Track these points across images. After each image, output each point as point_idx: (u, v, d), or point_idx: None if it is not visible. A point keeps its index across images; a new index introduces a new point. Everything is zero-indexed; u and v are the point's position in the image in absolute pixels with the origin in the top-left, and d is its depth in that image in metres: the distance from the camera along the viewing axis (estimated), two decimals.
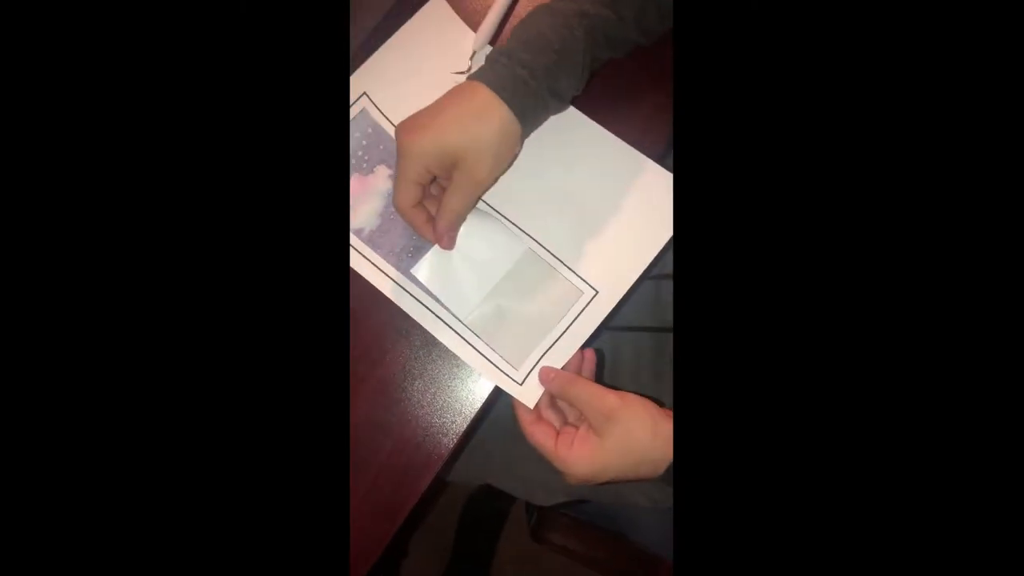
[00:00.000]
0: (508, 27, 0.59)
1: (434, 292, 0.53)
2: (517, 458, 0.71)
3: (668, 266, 0.68)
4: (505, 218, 0.56)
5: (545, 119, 0.53)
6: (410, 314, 0.54)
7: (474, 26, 0.59)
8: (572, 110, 0.57)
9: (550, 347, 0.53)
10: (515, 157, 0.51)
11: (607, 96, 0.58)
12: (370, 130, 0.58)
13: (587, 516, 0.80)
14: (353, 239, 0.55)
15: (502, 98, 0.47)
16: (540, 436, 0.50)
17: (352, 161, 0.57)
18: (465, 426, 0.54)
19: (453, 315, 0.54)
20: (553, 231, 0.55)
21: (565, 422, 0.52)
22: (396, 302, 0.54)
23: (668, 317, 0.71)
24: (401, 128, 0.48)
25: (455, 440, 0.53)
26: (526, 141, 0.55)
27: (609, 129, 0.57)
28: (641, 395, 0.49)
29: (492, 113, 0.47)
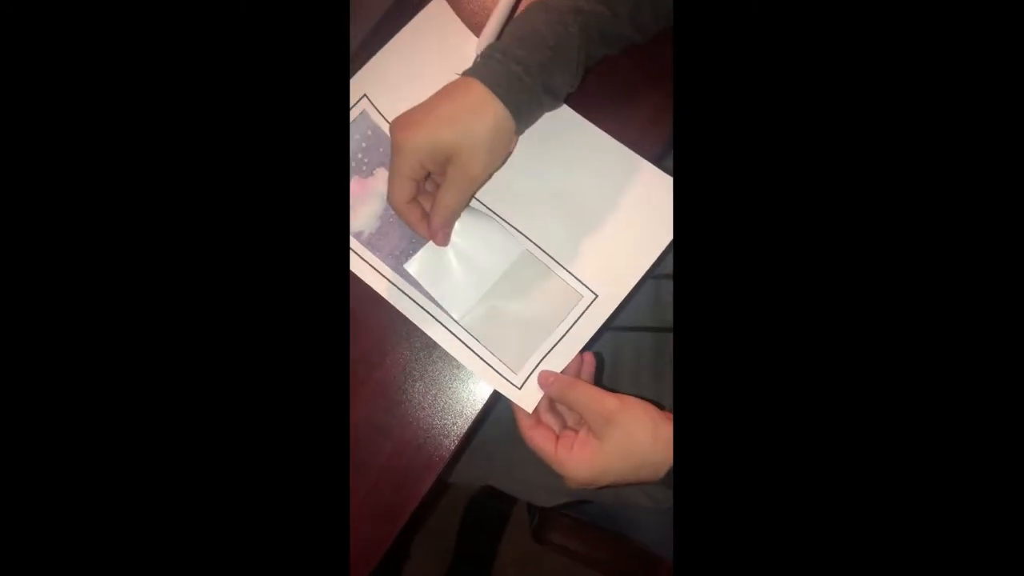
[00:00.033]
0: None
1: (428, 289, 0.53)
2: (518, 459, 0.71)
3: (668, 266, 0.68)
4: (502, 219, 0.56)
5: (539, 116, 0.53)
6: (409, 317, 0.54)
7: (475, 28, 0.59)
8: (570, 112, 0.57)
9: (549, 351, 0.53)
10: (509, 154, 0.51)
11: (605, 97, 0.58)
12: (370, 132, 0.58)
13: (589, 517, 0.80)
14: (352, 242, 0.55)
15: (496, 94, 0.47)
16: (539, 440, 0.50)
17: (352, 163, 0.57)
18: (466, 428, 0.54)
19: (449, 315, 0.54)
20: (550, 233, 0.55)
21: (565, 426, 0.52)
22: (395, 305, 0.54)
23: (668, 317, 0.71)
24: (395, 124, 0.48)
25: (456, 442, 0.53)
26: (523, 144, 0.55)
27: (607, 131, 0.57)
28: (641, 396, 0.49)
29: (486, 109, 0.47)
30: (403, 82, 0.58)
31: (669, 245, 0.55)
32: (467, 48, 0.59)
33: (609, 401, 0.48)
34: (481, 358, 0.53)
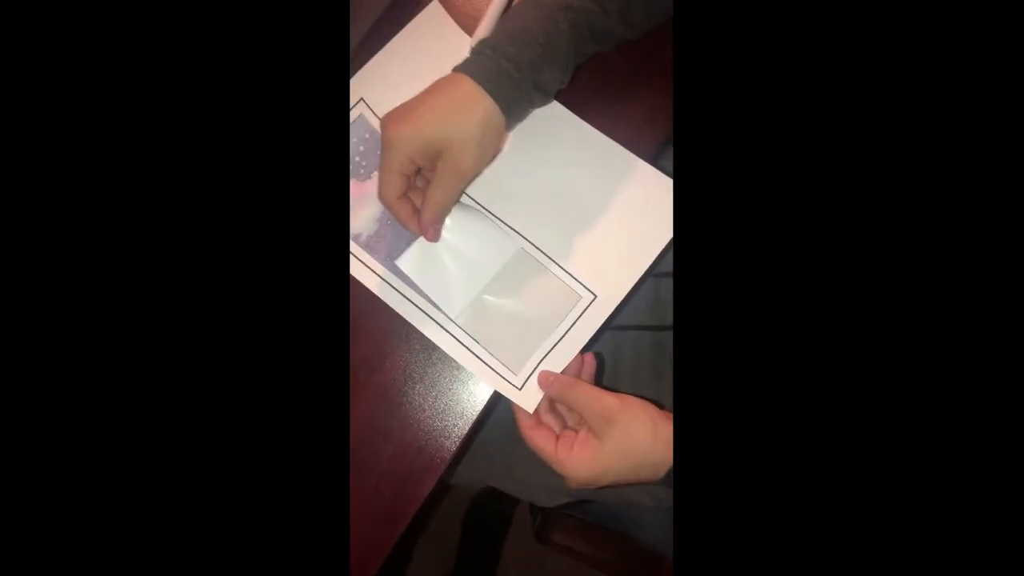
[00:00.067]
0: None
1: (422, 287, 0.53)
2: (519, 460, 0.71)
3: (667, 265, 0.68)
4: (495, 217, 0.56)
5: (529, 112, 0.53)
6: (407, 318, 0.54)
7: (471, 32, 0.59)
8: (564, 110, 0.57)
9: (549, 351, 0.53)
10: (499, 149, 0.51)
11: (599, 96, 0.58)
12: (367, 135, 0.58)
13: (591, 516, 0.80)
14: (350, 244, 0.55)
15: (486, 90, 0.47)
16: (540, 440, 0.50)
17: (349, 166, 0.57)
18: (467, 429, 0.54)
19: (444, 314, 0.53)
20: (546, 232, 0.55)
21: (565, 426, 0.52)
22: (392, 306, 0.54)
23: (668, 316, 0.71)
24: (385, 119, 0.48)
25: (456, 443, 0.53)
26: (517, 142, 0.55)
27: (602, 130, 0.57)
28: (641, 395, 0.49)
29: (476, 104, 0.47)
30: (399, 86, 0.57)
31: (668, 244, 0.55)
32: (463, 51, 0.58)
33: (609, 400, 0.48)
34: (481, 359, 0.53)
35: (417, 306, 0.54)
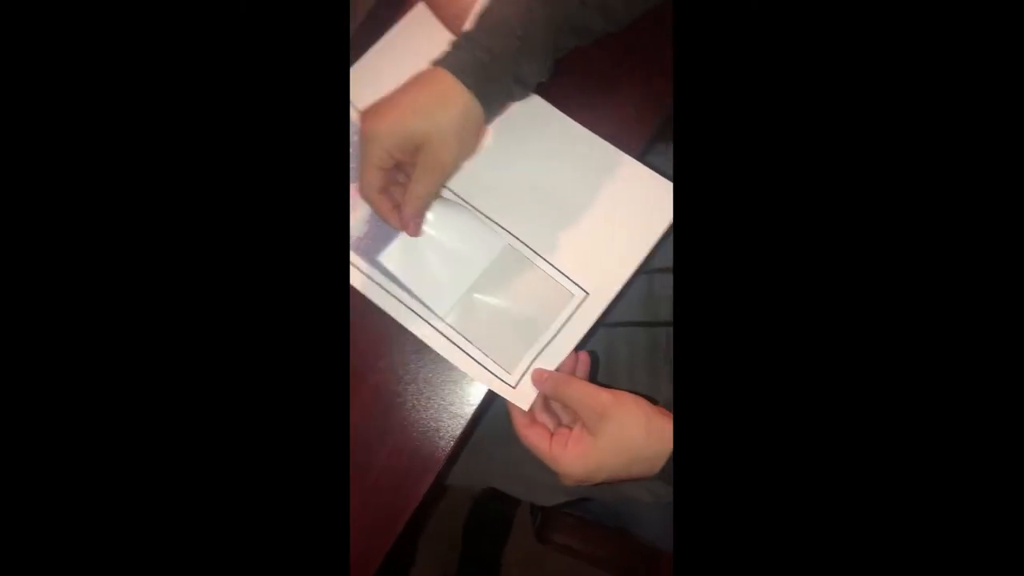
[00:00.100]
0: None
1: (406, 284, 0.53)
2: (516, 459, 0.71)
3: (661, 260, 0.68)
4: (481, 213, 0.56)
5: (508, 105, 0.53)
6: (396, 318, 0.54)
7: (457, 32, 0.59)
8: (549, 107, 0.57)
9: (542, 350, 0.53)
10: (479, 143, 0.51)
11: (581, 90, 0.58)
12: (355, 138, 0.58)
13: (591, 514, 0.80)
14: None
15: (464, 83, 0.47)
16: (534, 438, 0.50)
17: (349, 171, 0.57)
18: (462, 428, 0.54)
19: (432, 311, 0.53)
20: (533, 228, 0.55)
21: (560, 424, 0.52)
22: (380, 305, 0.54)
23: (662, 311, 0.71)
24: (364, 114, 0.48)
25: (452, 442, 0.53)
26: (501, 139, 0.55)
27: (588, 127, 0.57)
28: (636, 391, 0.49)
29: (454, 98, 0.47)
30: (386, 88, 0.58)
31: (658, 241, 0.55)
32: None
33: (603, 395, 0.48)
34: (474, 359, 0.53)
35: (405, 304, 0.54)
